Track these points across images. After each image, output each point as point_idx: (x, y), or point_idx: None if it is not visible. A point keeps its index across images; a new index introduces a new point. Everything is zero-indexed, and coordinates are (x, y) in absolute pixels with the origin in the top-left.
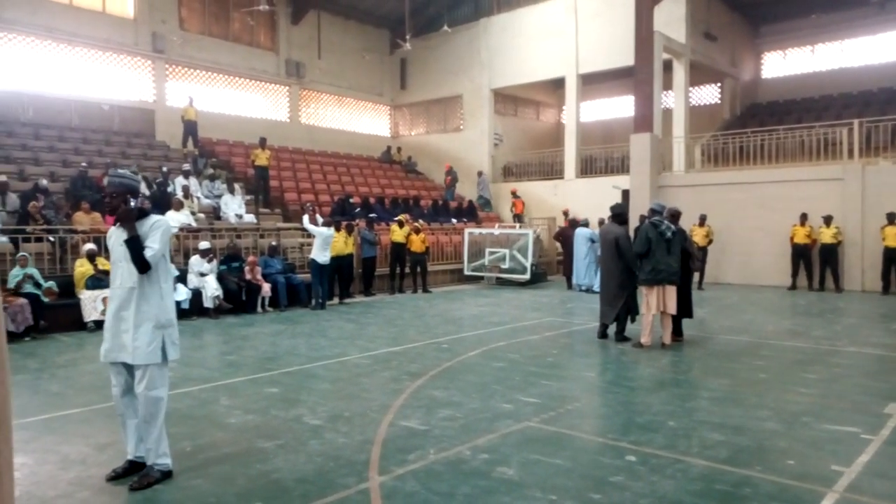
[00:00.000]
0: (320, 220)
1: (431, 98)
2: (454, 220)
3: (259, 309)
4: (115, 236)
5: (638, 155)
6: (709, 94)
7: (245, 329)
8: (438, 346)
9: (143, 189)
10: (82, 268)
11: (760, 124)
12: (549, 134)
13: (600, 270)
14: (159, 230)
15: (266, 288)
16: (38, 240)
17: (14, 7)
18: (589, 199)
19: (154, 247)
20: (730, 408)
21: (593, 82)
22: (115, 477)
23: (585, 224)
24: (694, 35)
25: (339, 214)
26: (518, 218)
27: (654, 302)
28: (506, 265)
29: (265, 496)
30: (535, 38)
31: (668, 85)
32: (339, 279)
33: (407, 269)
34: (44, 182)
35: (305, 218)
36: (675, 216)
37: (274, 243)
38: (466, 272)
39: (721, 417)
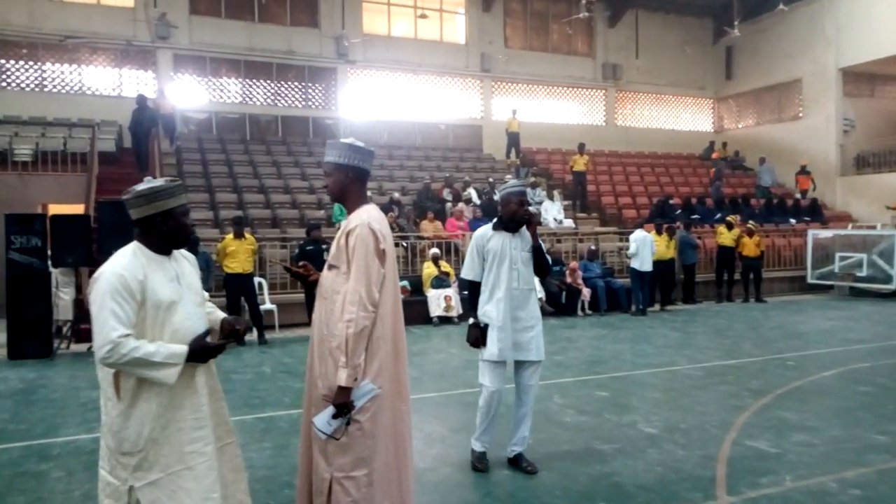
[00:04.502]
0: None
1: (762, 86)
2: (793, 221)
3: (579, 312)
4: (503, 239)
5: None
6: None
7: (567, 331)
8: (782, 362)
9: (475, 199)
10: (428, 269)
11: None
12: None
13: None
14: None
15: (586, 292)
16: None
17: (373, 47)
18: None
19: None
20: None
21: None
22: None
23: None
24: None
25: (659, 217)
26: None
27: None
28: (862, 273)
29: (607, 497)
30: None
31: None
32: (660, 285)
33: (737, 276)
34: (397, 195)
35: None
36: None
37: (593, 247)
38: (810, 280)
39: None
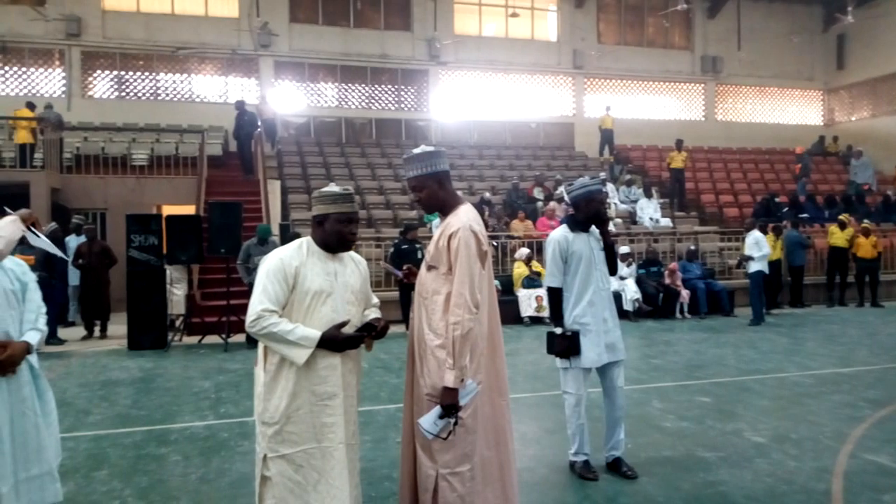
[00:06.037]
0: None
1: (879, 75)
2: None
3: (678, 314)
4: (583, 240)
5: None
6: None
7: (666, 334)
8: None
9: (566, 197)
10: (519, 269)
11: None
12: None
13: None
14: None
15: (685, 294)
16: None
17: (464, 48)
18: None
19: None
20: None
21: None
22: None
23: None
24: None
25: (763, 216)
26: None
27: None
28: None
29: None
30: None
31: None
32: (765, 287)
33: (850, 278)
34: (487, 195)
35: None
36: None
37: (692, 247)
38: None
39: None
